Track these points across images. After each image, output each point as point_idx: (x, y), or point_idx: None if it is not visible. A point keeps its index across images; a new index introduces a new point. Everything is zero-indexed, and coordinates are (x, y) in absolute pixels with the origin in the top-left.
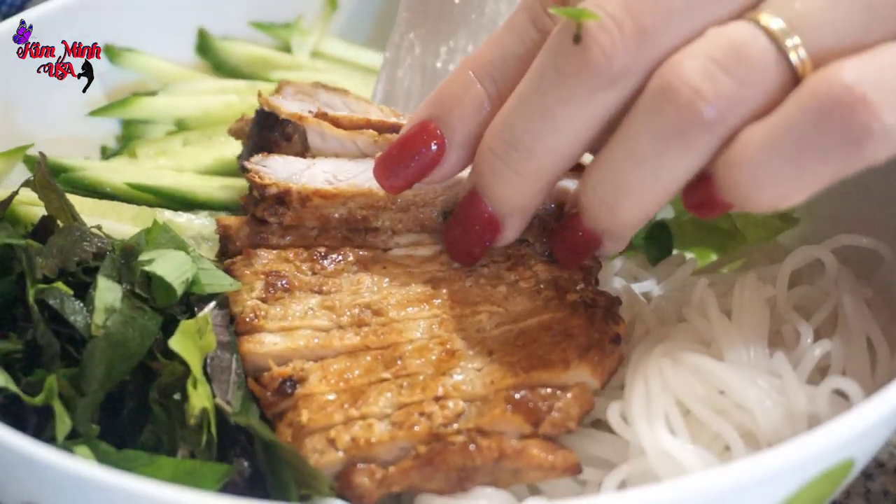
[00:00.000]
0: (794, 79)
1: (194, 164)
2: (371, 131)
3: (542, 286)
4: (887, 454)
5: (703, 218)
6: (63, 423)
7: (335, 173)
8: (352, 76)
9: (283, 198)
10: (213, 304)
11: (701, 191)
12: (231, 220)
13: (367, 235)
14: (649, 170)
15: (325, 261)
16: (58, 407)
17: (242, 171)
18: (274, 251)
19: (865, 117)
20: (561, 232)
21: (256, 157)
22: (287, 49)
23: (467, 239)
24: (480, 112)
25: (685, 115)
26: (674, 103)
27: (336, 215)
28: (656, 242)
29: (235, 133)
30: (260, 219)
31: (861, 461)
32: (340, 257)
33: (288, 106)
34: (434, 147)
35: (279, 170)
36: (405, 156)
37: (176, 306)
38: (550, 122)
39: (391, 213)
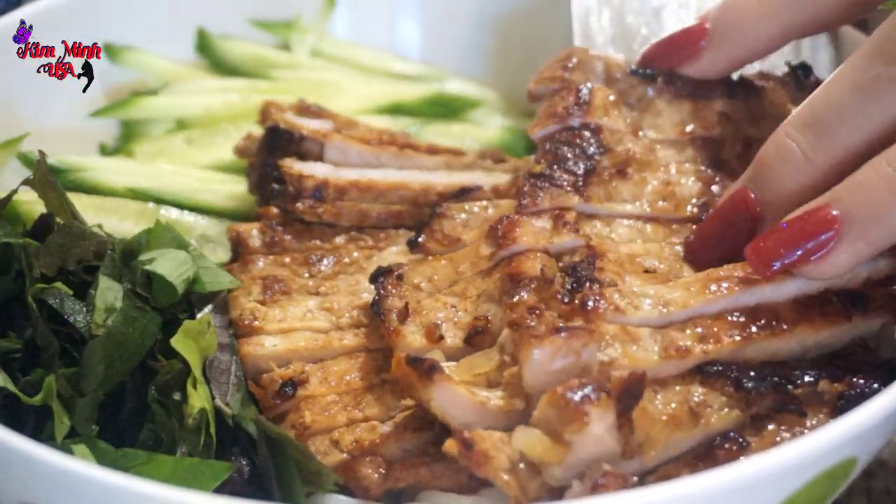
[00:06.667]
0: None
1: (193, 165)
2: (394, 147)
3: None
4: (889, 453)
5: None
6: (62, 423)
7: (360, 178)
8: (351, 74)
9: (320, 190)
10: (212, 305)
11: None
12: (243, 225)
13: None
14: None
15: (321, 264)
16: (56, 407)
17: (259, 188)
18: (271, 256)
19: None
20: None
21: (287, 161)
22: (287, 47)
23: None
24: None
25: None
26: None
27: (374, 214)
28: None
29: (241, 152)
30: (297, 217)
31: (863, 460)
32: (337, 259)
33: (302, 123)
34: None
35: (310, 169)
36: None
37: (176, 306)
38: (865, 97)
39: (425, 209)
